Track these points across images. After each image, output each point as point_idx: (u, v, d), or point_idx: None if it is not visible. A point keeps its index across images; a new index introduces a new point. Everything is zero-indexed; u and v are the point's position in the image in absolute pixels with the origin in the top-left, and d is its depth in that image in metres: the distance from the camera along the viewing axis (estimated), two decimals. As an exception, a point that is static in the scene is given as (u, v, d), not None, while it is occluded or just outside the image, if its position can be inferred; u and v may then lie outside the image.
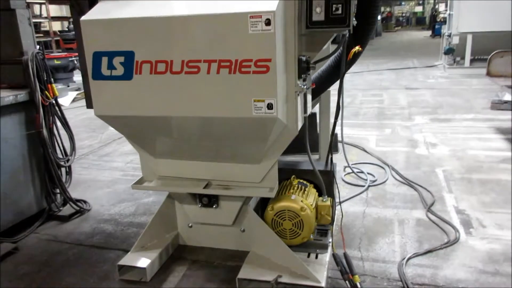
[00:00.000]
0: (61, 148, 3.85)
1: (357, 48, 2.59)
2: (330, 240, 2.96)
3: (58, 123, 3.82)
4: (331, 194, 3.07)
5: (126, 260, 2.92)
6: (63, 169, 3.88)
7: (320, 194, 3.04)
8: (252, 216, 2.89)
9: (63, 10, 20.75)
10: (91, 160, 5.52)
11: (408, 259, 2.95)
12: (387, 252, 3.07)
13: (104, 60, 2.52)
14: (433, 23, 25.64)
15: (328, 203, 2.94)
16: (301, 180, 3.10)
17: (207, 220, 3.10)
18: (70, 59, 10.77)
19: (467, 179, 4.33)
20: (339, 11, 2.46)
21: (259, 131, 2.54)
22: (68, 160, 3.87)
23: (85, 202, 4.04)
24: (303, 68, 2.53)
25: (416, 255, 3.01)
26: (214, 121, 2.51)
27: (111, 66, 2.52)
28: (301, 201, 2.83)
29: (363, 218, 3.58)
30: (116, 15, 2.47)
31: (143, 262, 2.88)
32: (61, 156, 3.84)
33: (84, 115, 8.00)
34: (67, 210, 3.87)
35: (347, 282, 2.61)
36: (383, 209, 3.76)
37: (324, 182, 3.01)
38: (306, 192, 2.98)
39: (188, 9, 2.37)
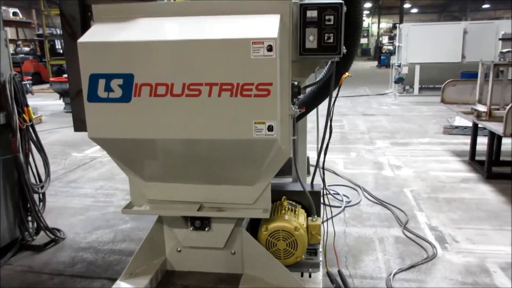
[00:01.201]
0: (36, 173, 3.69)
1: (347, 74, 2.76)
2: (321, 259, 3.04)
3: (33, 148, 3.67)
4: (318, 214, 3.16)
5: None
6: (35, 196, 3.71)
7: (308, 215, 3.13)
8: (246, 238, 2.91)
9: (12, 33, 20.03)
10: (57, 187, 5.28)
11: (394, 274, 3.09)
12: (373, 269, 3.19)
13: (101, 82, 2.50)
14: (379, 54, 27.21)
15: (318, 222, 3.03)
16: (290, 201, 3.17)
17: (199, 244, 3.07)
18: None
19: (434, 198, 4.60)
20: (331, 40, 2.62)
21: (258, 153, 2.61)
22: (42, 187, 3.71)
23: (58, 230, 3.86)
24: (295, 93, 2.66)
25: (401, 270, 3.15)
26: (213, 144, 2.55)
27: (108, 88, 2.51)
28: (294, 221, 2.90)
29: (345, 237, 3.70)
30: (115, 38, 2.48)
31: (135, 289, 2.80)
32: (35, 182, 3.67)
33: (44, 140, 7.65)
34: (40, 239, 3.68)
35: (342, 298, 2.68)
36: (362, 228, 3.90)
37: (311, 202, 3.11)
38: (296, 212, 3.05)
39: (190, 34, 2.43)
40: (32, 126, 3.62)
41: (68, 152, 7.00)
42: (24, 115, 3.42)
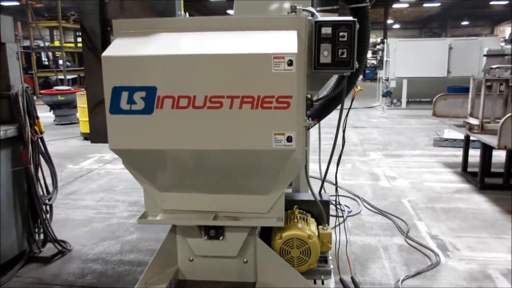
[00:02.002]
0: (44, 185, 3.70)
1: (359, 88, 2.89)
2: (332, 266, 3.12)
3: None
4: (328, 223, 3.26)
5: (133, 297, 2.84)
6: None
7: (318, 223, 3.22)
8: (261, 246, 2.97)
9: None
10: (57, 199, 5.21)
11: (402, 281, 3.18)
12: (381, 276, 3.29)
13: (124, 94, 2.57)
14: (363, 68, 27.70)
15: (329, 231, 3.12)
16: (300, 210, 3.26)
17: (212, 253, 3.12)
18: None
19: (431, 208, 4.75)
20: (345, 55, 2.76)
21: (276, 163, 2.69)
22: (50, 199, 3.72)
23: (64, 242, 3.86)
24: (308, 105, 2.78)
25: (408, 277, 3.25)
26: (233, 154, 2.62)
27: (131, 101, 2.57)
28: (307, 229, 2.98)
29: (350, 245, 3.79)
30: (138, 52, 2.56)
31: (152, 298, 2.83)
32: (42, 194, 3.68)
33: (37, 153, 7.59)
34: (47, 251, 3.67)
35: (356, 304, 2.76)
36: (365, 237, 4.00)
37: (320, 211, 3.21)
38: (307, 221, 3.14)
39: (212, 48, 2.52)
40: (41, 138, 3.63)
41: (64, 164, 6.96)
42: (35, 127, 3.44)
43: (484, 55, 9.80)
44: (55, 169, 3.82)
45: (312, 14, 2.82)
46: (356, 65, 2.90)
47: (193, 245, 3.12)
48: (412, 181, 5.72)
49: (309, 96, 2.79)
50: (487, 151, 5.39)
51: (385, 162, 6.79)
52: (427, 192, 5.27)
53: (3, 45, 3.40)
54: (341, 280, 2.91)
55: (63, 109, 11.16)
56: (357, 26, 2.71)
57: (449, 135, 7.98)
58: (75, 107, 11.43)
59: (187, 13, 3.18)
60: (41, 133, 3.53)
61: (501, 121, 4.38)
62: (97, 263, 3.57)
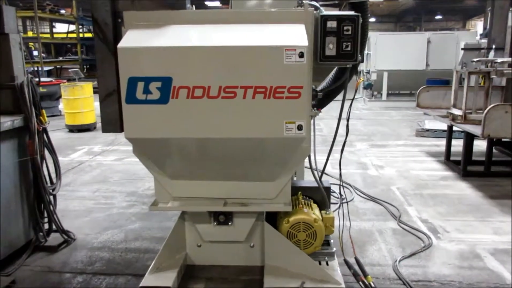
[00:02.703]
0: (48, 175, 3.73)
1: (361, 79, 3.05)
2: (334, 248, 3.30)
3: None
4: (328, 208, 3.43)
5: (148, 281, 2.94)
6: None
7: (321, 208, 3.38)
8: (269, 230, 3.11)
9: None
10: (52, 191, 5.25)
11: (399, 261, 3.39)
12: (379, 257, 3.48)
13: (140, 85, 2.65)
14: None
15: (332, 215, 3.28)
16: (304, 196, 3.41)
17: (221, 238, 3.25)
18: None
19: (419, 194, 4.99)
20: (349, 48, 2.91)
21: (286, 151, 2.84)
22: (54, 189, 3.75)
23: (68, 231, 3.90)
24: (313, 96, 2.93)
25: (404, 257, 3.46)
26: (246, 142, 2.75)
27: (146, 91, 2.66)
28: (313, 213, 3.14)
29: (347, 230, 3.97)
30: (154, 43, 2.64)
31: (166, 281, 2.93)
32: (48, 184, 3.71)
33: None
34: (52, 240, 3.72)
35: (360, 283, 2.94)
36: (360, 222, 4.20)
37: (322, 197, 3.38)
38: (311, 206, 3.30)
39: (226, 40, 2.63)
40: (45, 129, 3.66)
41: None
42: (41, 117, 3.47)
43: (462, 49, 10.19)
44: (58, 159, 3.85)
45: (316, 8, 2.95)
46: (359, 57, 3.07)
47: (202, 231, 3.24)
48: (399, 170, 5.97)
49: (313, 87, 2.93)
50: (469, 140, 5.67)
51: (371, 152, 7.03)
52: (414, 180, 5.53)
53: (6, 35, 3.40)
54: (346, 261, 3.08)
55: (45, 101, 10.96)
56: (361, 20, 2.86)
57: (430, 125, 8.30)
58: (57, 99, 11.28)
59: (193, 6, 3.26)
60: (46, 123, 3.56)
61: (485, 111, 4.64)
62: (103, 251, 3.64)
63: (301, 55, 2.59)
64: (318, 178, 3.34)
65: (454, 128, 6.09)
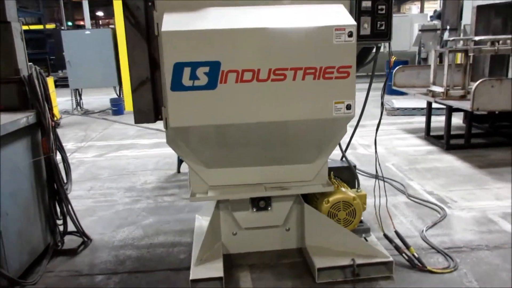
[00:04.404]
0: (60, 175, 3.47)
1: (394, 58, 3.12)
2: (368, 225, 3.39)
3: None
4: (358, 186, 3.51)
5: (197, 274, 2.85)
6: (57, 199, 3.50)
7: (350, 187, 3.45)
8: (310, 212, 3.13)
9: None
10: (42, 192, 4.90)
11: (426, 231, 3.55)
12: (404, 230, 3.61)
13: (187, 70, 2.53)
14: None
15: (364, 193, 3.36)
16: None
17: (260, 224, 3.21)
18: None
19: (414, 169, 5.23)
20: (383, 27, 2.96)
21: (332, 131, 2.86)
22: (67, 188, 3.50)
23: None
24: (346, 76, 2.96)
25: (428, 228, 3.62)
26: (294, 125, 2.72)
27: (193, 77, 2.54)
28: (350, 192, 3.19)
29: (372, 208, 4.08)
30: (199, 26, 2.52)
31: (216, 272, 2.86)
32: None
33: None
34: (69, 243, 3.49)
35: (403, 255, 3.05)
36: (372, 198, 4.29)
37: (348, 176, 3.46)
38: (344, 185, 3.36)
39: (275, 22, 2.57)
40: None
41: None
42: (54, 113, 3.21)
43: (420, 30, 10.68)
44: (67, 156, 3.59)
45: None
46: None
47: (240, 218, 3.19)
48: (386, 147, 6.20)
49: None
50: (451, 115, 5.99)
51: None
52: (404, 156, 5.77)
53: (8, 24, 3.10)
54: (385, 236, 3.18)
55: None
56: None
57: (399, 104, 8.67)
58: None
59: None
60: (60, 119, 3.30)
61: (474, 86, 4.92)
62: (128, 249, 3.47)
63: (350, 34, 2.60)
64: (348, 159, 3.41)
65: (434, 105, 6.41)
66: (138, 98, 2.84)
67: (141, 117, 2.87)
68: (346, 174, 3.54)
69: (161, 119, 2.92)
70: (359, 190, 3.39)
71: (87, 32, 10.18)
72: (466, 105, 5.12)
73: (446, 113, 5.95)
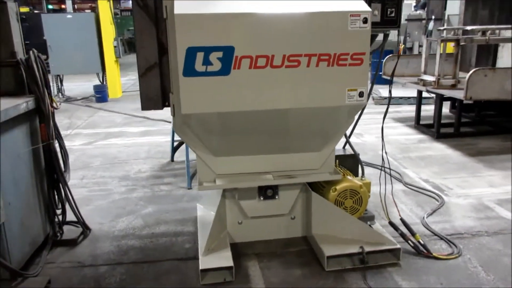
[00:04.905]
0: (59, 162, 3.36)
1: (403, 45, 3.11)
2: (373, 213, 3.41)
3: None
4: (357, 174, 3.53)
5: (207, 263, 2.81)
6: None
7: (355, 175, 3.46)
8: (318, 200, 3.12)
9: None
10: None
11: (426, 218, 3.60)
12: (405, 217, 3.62)
13: (200, 55, 2.46)
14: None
15: (369, 180, 3.38)
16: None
17: (267, 213, 3.19)
18: None
19: (408, 157, 5.29)
20: (393, 14, 2.95)
21: (342, 119, 2.84)
22: (66, 177, 3.39)
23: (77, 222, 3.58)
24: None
25: (428, 215, 3.68)
26: (305, 112, 2.69)
27: (207, 62, 2.48)
28: (356, 180, 3.20)
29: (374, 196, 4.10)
30: (214, 10, 2.45)
31: (226, 261, 2.83)
32: (58, 172, 3.35)
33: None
34: (68, 233, 3.39)
35: (409, 242, 3.08)
36: (371, 186, 4.35)
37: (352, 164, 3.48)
38: (348, 174, 3.36)
39: (290, 7, 2.52)
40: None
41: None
42: (53, 98, 3.09)
43: (406, 20, 10.75)
44: (65, 144, 3.47)
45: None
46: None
47: (247, 207, 3.16)
48: (378, 136, 6.24)
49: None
50: (441, 104, 6.08)
51: (343, 121, 7.26)
52: (396, 144, 5.84)
53: (4, 4, 2.94)
54: (391, 223, 3.21)
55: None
56: (404, -14, 2.90)
57: (386, 93, 8.74)
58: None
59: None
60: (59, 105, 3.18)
61: (468, 75, 4.99)
62: (130, 239, 3.40)
63: (365, 20, 2.58)
64: (353, 147, 3.42)
65: (425, 94, 6.49)
66: (146, 83, 2.75)
67: (149, 104, 2.78)
68: (350, 162, 3.55)
69: (167, 106, 2.84)
70: (363, 178, 3.40)
71: (69, 16, 9.84)
72: (459, 94, 5.20)
73: (437, 102, 6.03)
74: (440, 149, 5.61)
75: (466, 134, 6.13)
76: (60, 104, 3.13)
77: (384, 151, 3.29)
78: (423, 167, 4.91)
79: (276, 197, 3.13)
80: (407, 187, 4.33)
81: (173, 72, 2.66)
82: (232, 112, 2.61)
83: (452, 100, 6.81)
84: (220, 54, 2.48)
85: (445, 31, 6.42)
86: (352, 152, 3.59)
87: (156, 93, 2.77)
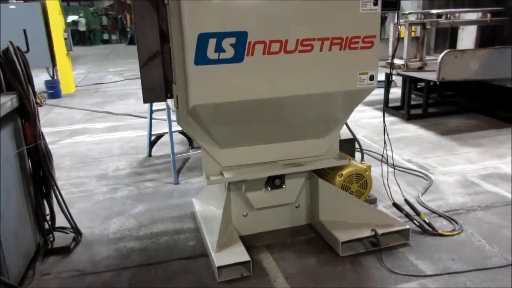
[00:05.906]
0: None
1: (403, 27, 3.12)
2: (375, 196, 3.44)
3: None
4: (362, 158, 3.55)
5: (223, 260, 2.70)
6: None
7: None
8: (325, 187, 3.09)
9: None
10: None
11: (420, 196, 3.70)
12: (400, 197, 3.69)
13: (212, 42, 2.32)
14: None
15: (369, 164, 3.40)
16: (338, 150, 3.45)
17: (273, 203, 3.12)
18: None
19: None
20: (392, -4, 2.94)
21: (352, 103, 2.81)
22: (52, 180, 3.11)
23: (65, 228, 3.32)
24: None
25: (422, 193, 3.78)
26: (317, 98, 2.64)
27: (219, 49, 2.34)
28: (361, 164, 3.20)
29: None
30: (225, -7, 2.31)
31: (242, 256, 2.74)
32: (43, 176, 3.06)
33: None
34: (59, 240, 3.14)
35: (414, 221, 3.14)
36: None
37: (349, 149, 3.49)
38: (350, 158, 3.36)
39: (302, -11, 2.43)
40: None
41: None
42: (38, 95, 2.80)
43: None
44: (48, 145, 3.18)
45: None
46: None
47: (253, 198, 3.08)
48: (350, 120, 6.31)
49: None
50: (411, 87, 6.27)
51: (313, 107, 7.30)
52: (370, 127, 5.96)
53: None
54: (395, 205, 3.25)
55: None
56: (403, -32, 2.90)
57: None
58: None
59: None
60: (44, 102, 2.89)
61: (440, 56, 5.16)
62: (128, 241, 3.20)
63: (376, 2, 2.55)
64: (352, 131, 3.42)
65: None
66: (148, 74, 2.56)
67: (151, 95, 2.60)
68: (347, 146, 3.56)
69: (169, 97, 2.67)
70: (363, 162, 3.42)
71: (12, 6, 9.07)
72: (431, 75, 5.37)
73: (406, 85, 6.21)
74: (412, 130, 5.79)
75: (433, 114, 6.38)
76: (45, 100, 2.80)
77: (385, 132, 3.29)
78: (403, 148, 5.04)
79: (284, 186, 3.06)
80: (393, 168, 4.42)
81: (176, 61, 2.50)
82: (245, 101, 2.50)
83: (415, 82, 7.06)
84: (233, 40, 2.35)
85: (409, 15, 6.59)
86: (348, 138, 3.59)
87: (159, 83, 2.59)
